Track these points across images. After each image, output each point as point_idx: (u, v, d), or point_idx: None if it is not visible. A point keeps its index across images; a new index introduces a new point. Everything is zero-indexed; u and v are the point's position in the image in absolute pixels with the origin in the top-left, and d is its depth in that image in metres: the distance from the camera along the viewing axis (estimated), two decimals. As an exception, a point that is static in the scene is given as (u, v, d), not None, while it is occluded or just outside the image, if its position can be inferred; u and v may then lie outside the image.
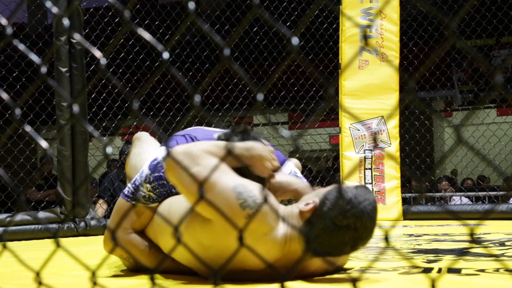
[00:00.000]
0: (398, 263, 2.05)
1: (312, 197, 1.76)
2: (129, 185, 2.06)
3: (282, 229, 1.72)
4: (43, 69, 1.24)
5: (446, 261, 2.16)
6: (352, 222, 1.65)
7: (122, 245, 2.02)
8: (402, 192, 4.89)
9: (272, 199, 1.78)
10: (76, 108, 1.34)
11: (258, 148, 1.81)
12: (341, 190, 1.72)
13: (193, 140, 2.17)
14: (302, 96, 5.77)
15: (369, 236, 1.70)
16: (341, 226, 1.65)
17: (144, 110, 5.55)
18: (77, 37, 4.31)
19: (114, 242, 2.04)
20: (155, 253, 2.03)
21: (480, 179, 7.29)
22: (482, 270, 1.86)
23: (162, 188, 2.00)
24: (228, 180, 1.68)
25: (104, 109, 5.04)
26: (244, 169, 1.79)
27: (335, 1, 4.98)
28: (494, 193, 5.65)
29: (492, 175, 7.65)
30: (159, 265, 2.00)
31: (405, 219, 4.79)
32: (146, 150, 2.23)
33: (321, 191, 1.79)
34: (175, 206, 1.91)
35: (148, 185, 2.00)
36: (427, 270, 1.91)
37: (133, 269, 2.18)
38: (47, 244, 3.61)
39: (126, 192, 2.05)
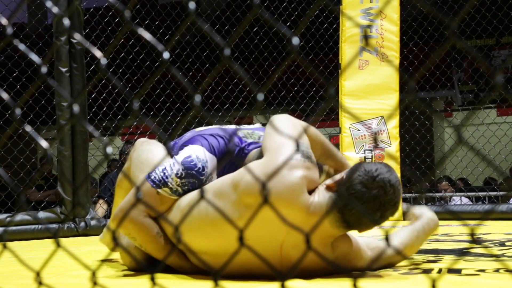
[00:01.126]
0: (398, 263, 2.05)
1: (337, 175, 1.82)
2: (156, 170, 2.01)
3: (309, 197, 1.77)
4: (43, 69, 1.24)
5: (446, 261, 2.16)
6: (382, 185, 1.70)
7: (133, 224, 2.00)
8: (402, 192, 4.88)
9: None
10: (76, 108, 1.34)
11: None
12: (366, 163, 1.79)
13: (223, 139, 2.17)
14: (302, 96, 5.77)
15: (397, 202, 1.74)
16: (372, 188, 1.70)
17: (144, 110, 5.55)
18: (77, 37, 4.31)
19: (115, 242, 2.04)
20: (164, 242, 2.01)
21: (488, 182, 7.28)
22: (482, 270, 1.86)
23: (191, 186, 2.00)
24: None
25: (104, 109, 5.04)
26: None
27: (335, 1, 4.97)
28: (494, 193, 5.65)
29: (494, 177, 7.64)
30: (166, 257, 1.99)
31: (405, 219, 4.79)
32: (156, 148, 2.22)
33: (345, 170, 1.87)
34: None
35: (178, 180, 1.98)
36: (427, 270, 1.91)
37: (133, 268, 2.18)
38: (47, 244, 3.61)
39: (152, 177, 2.00)
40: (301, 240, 1.74)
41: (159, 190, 1.99)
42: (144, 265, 2.05)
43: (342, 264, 1.81)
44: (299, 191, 1.75)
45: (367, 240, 1.93)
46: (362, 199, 1.71)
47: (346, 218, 1.73)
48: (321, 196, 1.78)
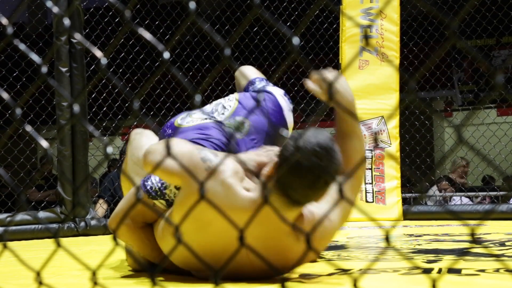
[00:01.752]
0: (398, 263, 2.05)
1: (269, 160, 1.79)
2: (153, 179, 1.98)
3: (247, 196, 1.74)
4: (44, 69, 1.24)
5: (446, 261, 2.16)
6: (313, 153, 1.64)
7: (129, 233, 2.01)
8: (402, 192, 4.88)
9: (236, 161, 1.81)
10: (76, 108, 1.34)
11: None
12: (292, 136, 1.75)
13: (219, 145, 2.13)
14: (303, 96, 5.77)
15: (336, 160, 1.68)
16: (305, 161, 1.64)
17: (144, 110, 5.55)
18: (77, 37, 4.31)
19: (115, 242, 2.04)
20: (159, 250, 2.01)
21: (487, 181, 7.28)
22: (482, 270, 1.86)
23: None
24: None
25: (104, 109, 5.03)
26: None
27: (335, 1, 4.97)
28: (495, 193, 5.65)
29: (494, 176, 7.64)
30: (160, 264, 2.00)
31: (405, 219, 4.79)
32: (150, 142, 2.20)
33: (275, 151, 1.83)
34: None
35: (176, 191, 1.94)
36: (427, 270, 1.91)
37: (134, 269, 2.18)
38: (47, 244, 3.61)
39: (149, 187, 1.98)
40: (265, 237, 1.71)
41: (155, 202, 1.98)
42: (146, 265, 2.05)
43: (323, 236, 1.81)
44: (232, 195, 1.72)
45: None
46: (300, 175, 1.65)
47: (294, 198, 1.69)
48: (261, 189, 1.75)
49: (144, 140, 2.21)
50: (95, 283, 1.15)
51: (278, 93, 2.38)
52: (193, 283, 1.84)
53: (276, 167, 1.71)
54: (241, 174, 1.78)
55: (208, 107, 2.30)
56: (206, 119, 2.20)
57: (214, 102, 2.32)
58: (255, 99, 2.30)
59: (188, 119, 2.23)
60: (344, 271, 1.93)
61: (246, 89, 2.49)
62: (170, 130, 2.24)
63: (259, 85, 2.47)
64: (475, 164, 5.75)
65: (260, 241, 1.70)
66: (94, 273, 1.16)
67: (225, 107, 2.25)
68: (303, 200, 1.70)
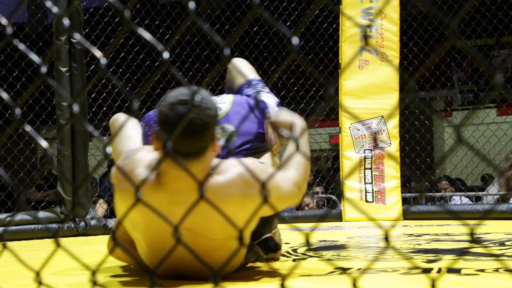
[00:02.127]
0: (398, 263, 2.05)
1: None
2: None
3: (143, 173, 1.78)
4: (43, 69, 1.24)
5: (446, 261, 2.16)
6: (174, 104, 1.68)
7: (122, 245, 2.01)
8: (402, 192, 4.88)
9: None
10: (76, 108, 1.34)
11: None
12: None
13: None
14: (302, 96, 5.77)
15: (203, 110, 1.69)
16: (171, 112, 1.67)
17: (144, 110, 5.54)
18: (77, 36, 4.31)
19: (114, 242, 2.04)
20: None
21: (482, 180, 7.29)
22: (482, 270, 1.86)
23: None
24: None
25: (104, 109, 5.03)
26: None
27: (335, 1, 4.97)
28: (495, 193, 5.65)
29: (493, 175, 7.64)
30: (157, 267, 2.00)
31: (405, 219, 4.79)
32: (127, 135, 2.20)
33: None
34: None
35: None
36: (427, 270, 1.91)
37: (137, 269, 2.18)
38: (47, 244, 3.61)
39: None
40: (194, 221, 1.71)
41: None
42: (145, 266, 2.05)
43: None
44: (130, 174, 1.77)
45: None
46: (171, 126, 1.67)
47: (179, 150, 1.69)
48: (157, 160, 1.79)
49: (125, 142, 2.19)
50: (95, 283, 1.15)
51: (272, 103, 2.36)
52: (193, 283, 1.84)
53: (157, 136, 1.74)
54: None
55: None
56: None
57: None
58: (249, 106, 2.27)
59: None
60: (344, 271, 1.93)
61: (241, 89, 2.45)
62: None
63: (255, 89, 2.43)
64: (474, 163, 5.75)
65: (192, 228, 1.72)
66: (93, 273, 1.16)
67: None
68: (187, 148, 1.69)
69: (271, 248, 2.06)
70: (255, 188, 1.74)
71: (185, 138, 1.68)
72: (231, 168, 1.77)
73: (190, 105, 1.67)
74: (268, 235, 2.11)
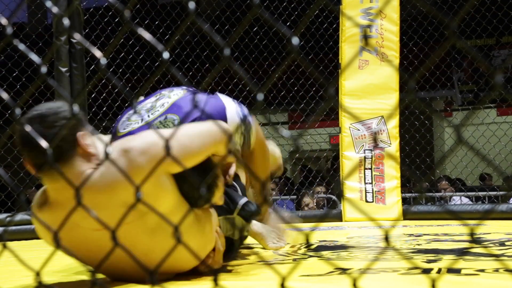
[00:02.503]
0: (398, 263, 2.05)
1: None
2: None
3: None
4: (43, 69, 1.24)
5: (446, 261, 2.16)
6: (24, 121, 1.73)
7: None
8: (402, 192, 4.88)
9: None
10: (76, 108, 1.34)
11: None
12: None
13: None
14: (302, 96, 5.77)
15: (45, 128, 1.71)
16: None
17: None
18: (77, 37, 4.31)
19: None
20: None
21: (482, 178, 7.29)
22: (482, 270, 1.86)
23: None
24: None
25: (104, 109, 5.03)
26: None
27: (335, 1, 4.97)
28: (494, 193, 5.65)
29: (493, 175, 7.65)
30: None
31: (405, 219, 4.79)
32: None
33: None
34: None
35: None
36: (426, 270, 1.91)
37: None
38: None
39: None
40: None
41: None
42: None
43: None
44: None
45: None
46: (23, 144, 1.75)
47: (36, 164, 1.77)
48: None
49: None
50: (95, 283, 1.15)
51: (226, 98, 2.26)
52: (192, 283, 1.84)
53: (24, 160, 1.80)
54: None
55: (148, 103, 2.14)
56: (137, 122, 2.07)
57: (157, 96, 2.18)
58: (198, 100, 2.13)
59: (126, 124, 2.11)
60: (344, 271, 1.93)
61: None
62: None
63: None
64: (475, 164, 5.75)
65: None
66: (93, 273, 1.16)
67: (158, 106, 2.09)
68: (41, 161, 1.72)
69: (252, 212, 2.00)
70: (140, 154, 1.69)
71: (35, 153, 1.72)
72: (112, 154, 1.73)
73: (34, 121, 1.70)
74: (244, 200, 2.06)
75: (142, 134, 1.82)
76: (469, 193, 5.66)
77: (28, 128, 1.70)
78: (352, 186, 4.80)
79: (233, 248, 2.04)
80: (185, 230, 1.71)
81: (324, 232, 3.79)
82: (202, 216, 1.84)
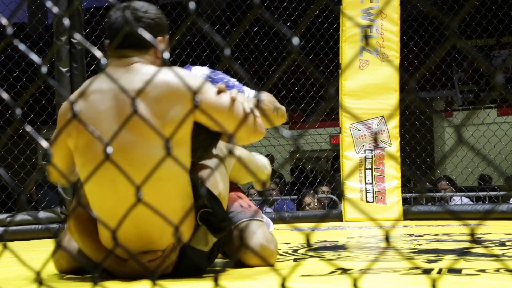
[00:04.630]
0: (398, 263, 2.05)
1: None
2: None
3: None
4: (44, 69, 1.24)
5: (447, 261, 2.16)
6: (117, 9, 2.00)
7: (73, 228, 2.04)
8: (402, 192, 4.88)
9: None
10: (76, 108, 1.34)
11: None
12: None
13: None
14: (303, 96, 5.77)
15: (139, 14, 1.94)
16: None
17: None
18: (77, 37, 4.31)
19: (70, 218, 2.09)
20: (102, 251, 1.98)
21: (482, 179, 7.29)
22: (483, 270, 1.86)
23: None
24: None
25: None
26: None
27: (336, 1, 4.97)
28: (495, 193, 5.65)
29: (493, 176, 7.65)
30: (104, 260, 1.96)
31: (405, 219, 4.79)
32: None
33: None
34: None
35: None
36: (427, 270, 1.91)
37: (62, 270, 2.16)
38: (48, 244, 3.61)
39: None
40: None
41: None
42: (86, 265, 2.00)
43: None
44: None
45: None
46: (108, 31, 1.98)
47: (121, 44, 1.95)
48: None
49: None
50: (95, 283, 1.15)
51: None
52: (193, 283, 1.84)
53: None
54: None
55: None
56: None
57: None
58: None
59: None
60: (344, 271, 1.93)
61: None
62: None
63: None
64: (475, 164, 5.75)
65: None
66: (93, 274, 1.16)
67: None
68: (123, 41, 1.89)
69: (212, 223, 1.90)
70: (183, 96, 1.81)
71: (120, 33, 1.91)
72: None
73: (129, 9, 1.92)
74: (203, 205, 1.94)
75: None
76: (469, 193, 5.66)
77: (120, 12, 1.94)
78: (353, 186, 4.80)
79: (209, 260, 1.99)
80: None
81: (325, 232, 3.79)
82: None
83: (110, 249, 1.90)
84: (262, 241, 2.14)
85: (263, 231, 2.18)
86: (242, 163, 2.31)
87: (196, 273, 1.93)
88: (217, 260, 2.13)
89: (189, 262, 1.90)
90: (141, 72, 1.83)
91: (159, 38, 1.90)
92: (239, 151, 2.38)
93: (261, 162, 2.53)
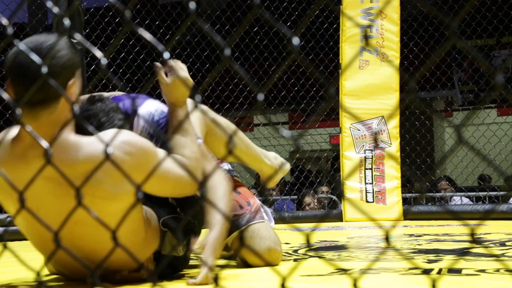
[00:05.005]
0: (398, 263, 2.05)
1: None
2: None
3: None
4: (44, 69, 1.24)
5: (447, 261, 2.16)
6: (18, 52, 1.59)
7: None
8: (402, 192, 4.88)
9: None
10: (76, 108, 1.34)
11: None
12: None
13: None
14: (303, 96, 5.77)
15: (48, 62, 1.60)
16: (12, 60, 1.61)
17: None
18: (77, 37, 4.30)
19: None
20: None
21: (481, 179, 7.30)
22: (483, 271, 1.86)
23: None
24: None
25: (105, 109, 5.03)
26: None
27: (336, 1, 4.97)
28: (495, 193, 5.65)
29: (493, 175, 7.65)
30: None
31: (405, 219, 4.79)
32: None
33: None
34: None
35: None
36: (427, 271, 1.91)
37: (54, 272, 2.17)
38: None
39: None
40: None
41: None
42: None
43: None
44: None
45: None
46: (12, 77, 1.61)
47: (29, 100, 1.57)
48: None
49: None
50: (95, 283, 1.15)
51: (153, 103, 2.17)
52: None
53: (8, 85, 1.63)
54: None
55: None
56: None
57: None
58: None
59: None
60: (344, 271, 1.93)
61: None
62: None
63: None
64: (475, 164, 5.75)
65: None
66: (93, 273, 1.16)
67: None
68: (30, 97, 1.56)
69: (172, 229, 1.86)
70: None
71: (25, 86, 1.56)
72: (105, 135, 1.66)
73: (39, 54, 1.57)
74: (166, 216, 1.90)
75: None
76: (469, 193, 5.66)
77: (25, 54, 1.55)
78: (353, 186, 4.80)
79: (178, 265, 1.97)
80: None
81: (325, 233, 3.79)
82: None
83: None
84: (270, 244, 2.16)
85: (269, 233, 2.19)
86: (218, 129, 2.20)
87: (174, 273, 1.94)
88: (218, 260, 2.13)
89: (165, 268, 1.90)
90: (70, 145, 1.62)
91: (72, 80, 1.66)
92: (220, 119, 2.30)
93: (265, 152, 2.53)
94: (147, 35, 1.05)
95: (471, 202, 5.53)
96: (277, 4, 5.65)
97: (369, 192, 4.78)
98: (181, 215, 1.89)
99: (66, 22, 4.24)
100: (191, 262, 2.10)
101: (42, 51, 1.60)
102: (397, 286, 1.73)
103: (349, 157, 4.86)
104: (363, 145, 4.86)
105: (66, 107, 1.63)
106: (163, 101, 2.06)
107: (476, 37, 6.39)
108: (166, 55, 1.04)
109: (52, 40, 1.68)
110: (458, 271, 1.86)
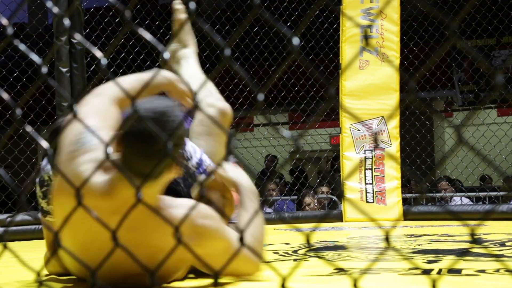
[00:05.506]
0: (398, 264, 2.05)
1: None
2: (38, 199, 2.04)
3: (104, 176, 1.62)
4: (44, 69, 1.24)
5: (447, 261, 2.16)
6: (143, 119, 1.49)
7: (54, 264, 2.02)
8: (402, 193, 4.88)
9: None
10: (76, 108, 1.34)
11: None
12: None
13: None
14: (303, 96, 5.77)
15: (170, 133, 1.50)
16: (135, 128, 1.50)
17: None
18: (77, 37, 4.31)
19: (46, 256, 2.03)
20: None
21: (482, 179, 7.30)
22: (483, 271, 1.86)
23: None
24: None
25: (105, 109, 5.03)
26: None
27: (336, 1, 4.98)
28: (495, 193, 5.65)
29: (493, 176, 7.65)
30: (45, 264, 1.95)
31: (405, 219, 4.79)
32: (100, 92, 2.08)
33: None
34: None
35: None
36: (427, 271, 1.91)
37: (58, 272, 2.17)
38: (48, 244, 3.61)
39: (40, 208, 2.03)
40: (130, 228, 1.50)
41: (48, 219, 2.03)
42: (88, 267, 1.93)
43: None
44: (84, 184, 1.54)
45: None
46: (131, 143, 1.50)
47: (133, 170, 1.50)
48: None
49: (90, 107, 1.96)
50: (95, 283, 1.15)
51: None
52: (193, 283, 1.84)
53: (119, 141, 1.53)
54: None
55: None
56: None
57: None
58: None
59: None
60: (344, 271, 1.93)
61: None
62: None
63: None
64: (475, 164, 5.75)
65: (128, 237, 1.50)
66: (93, 273, 1.16)
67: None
68: (141, 169, 1.50)
69: None
70: (198, 235, 1.61)
71: (144, 158, 1.50)
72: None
73: (156, 126, 1.48)
74: None
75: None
76: (469, 194, 5.66)
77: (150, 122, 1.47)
78: (353, 187, 4.80)
79: None
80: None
81: (325, 233, 3.79)
82: None
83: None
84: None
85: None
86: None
87: None
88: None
89: None
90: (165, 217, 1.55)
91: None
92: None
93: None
94: (147, 35, 1.05)
95: (471, 203, 5.53)
96: (277, 4, 5.65)
97: (369, 193, 4.79)
98: None
99: (66, 22, 4.24)
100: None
101: (166, 125, 1.50)
102: (397, 286, 1.73)
103: (349, 158, 4.86)
104: (363, 145, 4.86)
105: (167, 178, 1.60)
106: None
107: (476, 37, 6.40)
108: (166, 55, 1.04)
109: (173, 110, 1.54)
110: (458, 271, 1.86)
